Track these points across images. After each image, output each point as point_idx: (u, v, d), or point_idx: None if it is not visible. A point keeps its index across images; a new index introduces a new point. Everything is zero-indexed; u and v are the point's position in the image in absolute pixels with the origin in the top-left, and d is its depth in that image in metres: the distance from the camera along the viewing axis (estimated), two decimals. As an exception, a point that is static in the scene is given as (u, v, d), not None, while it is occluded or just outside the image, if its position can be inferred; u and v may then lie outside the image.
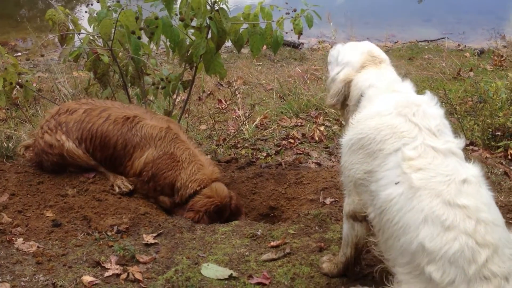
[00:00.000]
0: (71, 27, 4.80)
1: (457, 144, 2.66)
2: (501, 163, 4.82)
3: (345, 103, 3.12)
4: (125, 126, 4.11)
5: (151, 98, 5.17)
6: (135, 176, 4.15)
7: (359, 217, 2.90)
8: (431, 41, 10.80)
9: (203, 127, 6.09)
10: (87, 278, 3.09)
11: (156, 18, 4.34)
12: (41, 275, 3.13)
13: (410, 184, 2.48)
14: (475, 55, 9.22)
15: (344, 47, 3.28)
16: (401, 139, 2.61)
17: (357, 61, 3.09)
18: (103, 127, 4.11)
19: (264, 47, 5.06)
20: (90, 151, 4.17)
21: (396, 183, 2.53)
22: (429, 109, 2.75)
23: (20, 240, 3.48)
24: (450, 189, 2.44)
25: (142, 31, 4.47)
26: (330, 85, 3.20)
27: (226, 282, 3.13)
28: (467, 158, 2.71)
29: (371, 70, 3.03)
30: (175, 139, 4.14)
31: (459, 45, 10.38)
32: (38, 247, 3.43)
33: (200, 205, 4.03)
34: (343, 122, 5.52)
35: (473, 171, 2.57)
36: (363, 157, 2.73)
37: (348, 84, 3.05)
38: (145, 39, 4.62)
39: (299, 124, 6.01)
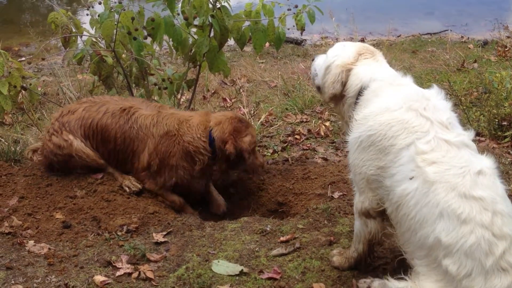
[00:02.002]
0: (73, 30, 4.82)
1: (468, 136, 2.65)
2: (508, 153, 4.80)
3: (341, 94, 3.05)
4: (121, 118, 4.12)
5: (155, 98, 5.18)
6: (145, 171, 4.13)
7: (372, 214, 2.88)
8: (434, 33, 10.77)
9: (208, 125, 6.08)
10: (99, 278, 3.10)
11: (153, 20, 4.35)
12: (53, 276, 3.15)
13: (425, 178, 2.46)
14: (479, 47, 9.18)
15: (331, 49, 3.23)
16: (413, 133, 2.58)
17: (351, 51, 3.05)
18: (102, 121, 4.13)
19: (267, 44, 5.07)
20: (94, 147, 4.19)
21: (410, 178, 2.52)
22: (439, 102, 2.73)
23: (31, 242, 3.51)
24: (466, 181, 2.43)
25: (144, 32, 4.49)
26: (325, 76, 3.10)
27: (237, 278, 3.14)
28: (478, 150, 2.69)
29: (370, 61, 3.00)
30: (165, 118, 4.11)
31: (462, 37, 10.35)
32: (49, 248, 3.45)
33: (222, 134, 4.01)
34: (338, 117, 5.51)
35: (487, 162, 2.55)
36: (374, 154, 2.70)
37: (346, 72, 2.99)
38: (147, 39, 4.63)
39: (305, 120, 6.00)
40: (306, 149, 5.20)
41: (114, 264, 3.26)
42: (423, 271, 2.50)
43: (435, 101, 2.72)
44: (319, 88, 3.29)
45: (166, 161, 4.06)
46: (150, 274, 3.16)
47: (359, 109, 2.87)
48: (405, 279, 2.55)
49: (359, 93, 2.93)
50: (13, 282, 3.08)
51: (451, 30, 10.70)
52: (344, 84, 3.00)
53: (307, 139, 5.50)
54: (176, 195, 4.16)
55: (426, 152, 2.52)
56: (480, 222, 2.35)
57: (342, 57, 3.05)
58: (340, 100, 3.08)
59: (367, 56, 3.03)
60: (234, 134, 4.00)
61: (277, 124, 5.90)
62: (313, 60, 3.41)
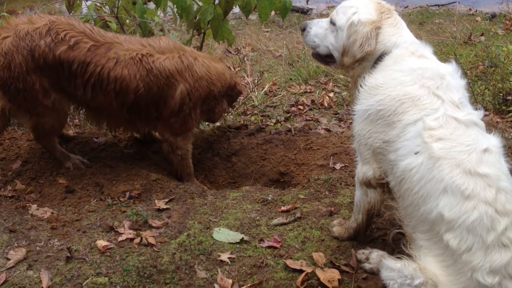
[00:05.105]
0: (78, -7, 4.78)
1: (477, 115, 2.61)
2: (512, 128, 4.80)
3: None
4: (142, 68, 3.69)
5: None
6: (174, 116, 3.89)
7: (373, 184, 2.87)
8: (442, 5, 10.65)
9: (212, 94, 6.07)
10: (101, 243, 3.14)
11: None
12: (56, 240, 3.19)
13: (430, 154, 2.45)
14: (486, 19, 9.09)
15: (336, 8, 3.03)
16: (422, 110, 2.55)
17: (372, 8, 2.86)
18: (117, 72, 3.64)
19: (273, 13, 5.02)
20: (101, 98, 3.73)
21: (415, 153, 2.50)
22: (453, 81, 2.67)
23: (34, 206, 3.54)
24: (471, 158, 2.41)
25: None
26: (351, 38, 2.85)
27: (237, 245, 3.18)
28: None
29: (392, 21, 2.85)
30: (197, 63, 3.87)
31: (470, 9, 10.24)
32: (52, 212, 3.48)
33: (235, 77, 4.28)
34: (335, 90, 5.49)
35: (493, 141, 2.54)
36: (381, 127, 2.67)
37: (376, 30, 2.81)
38: (151, 5, 4.59)
39: (308, 90, 5.98)
40: (309, 120, 5.20)
41: (116, 230, 3.30)
42: (425, 245, 2.51)
43: (450, 80, 2.66)
44: (326, 57, 3.15)
45: (199, 103, 3.94)
46: (152, 240, 3.19)
47: (375, 73, 2.78)
48: (403, 258, 2.57)
49: (379, 57, 2.84)
50: (16, 244, 3.12)
51: (459, 2, 10.57)
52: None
53: (310, 109, 5.49)
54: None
55: (434, 128, 2.49)
56: (484, 199, 2.35)
57: (365, 13, 2.85)
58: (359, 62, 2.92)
59: (389, 15, 2.88)
60: (238, 79, 4.22)
61: (280, 94, 5.89)
62: (303, 30, 3.22)
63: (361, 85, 2.79)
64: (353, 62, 2.90)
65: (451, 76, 2.69)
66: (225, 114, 4.77)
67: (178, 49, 3.88)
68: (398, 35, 2.84)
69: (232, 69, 6.27)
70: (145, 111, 3.86)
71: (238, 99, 4.44)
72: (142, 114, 3.88)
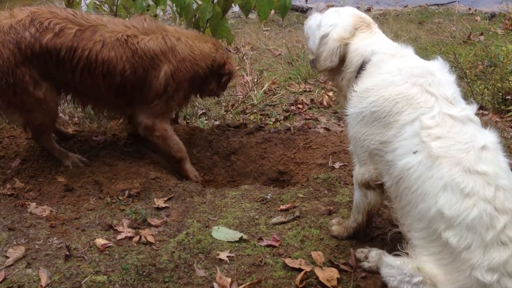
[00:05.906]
0: (77, -8, 4.77)
1: (472, 110, 2.63)
2: (511, 127, 4.80)
3: (338, 68, 2.99)
4: (127, 49, 3.71)
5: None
6: (158, 97, 3.90)
7: (372, 185, 2.88)
8: (441, 5, 10.66)
9: (211, 93, 6.07)
10: (100, 241, 3.14)
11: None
12: (55, 238, 3.19)
13: (429, 153, 2.46)
14: (486, 19, 9.10)
15: (325, 13, 3.15)
16: (418, 109, 2.56)
17: (348, 23, 2.97)
18: (104, 54, 3.66)
19: (272, 12, 5.02)
20: (89, 82, 3.75)
21: (414, 152, 2.51)
22: (443, 77, 2.69)
23: (33, 204, 3.54)
24: (470, 156, 2.42)
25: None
26: (320, 47, 3.01)
27: (236, 244, 3.17)
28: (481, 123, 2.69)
29: (367, 34, 2.94)
30: (180, 43, 3.89)
31: (469, 8, 10.24)
32: (51, 211, 3.48)
33: (222, 59, 4.17)
34: (334, 89, 5.49)
35: (490, 137, 2.54)
36: (377, 129, 2.68)
37: (344, 46, 2.92)
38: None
39: (308, 89, 5.98)
40: (309, 119, 5.20)
41: (115, 228, 3.30)
42: (420, 243, 2.52)
43: (440, 76, 2.69)
44: (312, 53, 3.24)
45: (183, 85, 3.94)
46: (150, 239, 3.19)
47: (360, 81, 2.82)
48: (402, 256, 2.57)
49: (361, 67, 2.89)
50: (15, 242, 3.12)
51: (458, 2, 10.58)
52: (341, 59, 2.95)
53: (309, 108, 5.50)
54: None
55: (431, 127, 2.50)
56: (483, 196, 2.35)
57: (339, 28, 2.96)
58: (337, 73, 3.03)
59: (364, 30, 2.97)
60: (229, 59, 4.20)
61: (280, 93, 5.89)
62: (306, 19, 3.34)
63: (351, 92, 2.81)
64: (322, 71, 3.06)
65: (439, 72, 2.71)
66: (217, 97, 4.82)
67: (161, 29, 3.89)
68: (375, 44, 2.90)
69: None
70: (131, 93, 3.85)
71: (230, 79, 4.33)
72: (128, 96, 3.87)
